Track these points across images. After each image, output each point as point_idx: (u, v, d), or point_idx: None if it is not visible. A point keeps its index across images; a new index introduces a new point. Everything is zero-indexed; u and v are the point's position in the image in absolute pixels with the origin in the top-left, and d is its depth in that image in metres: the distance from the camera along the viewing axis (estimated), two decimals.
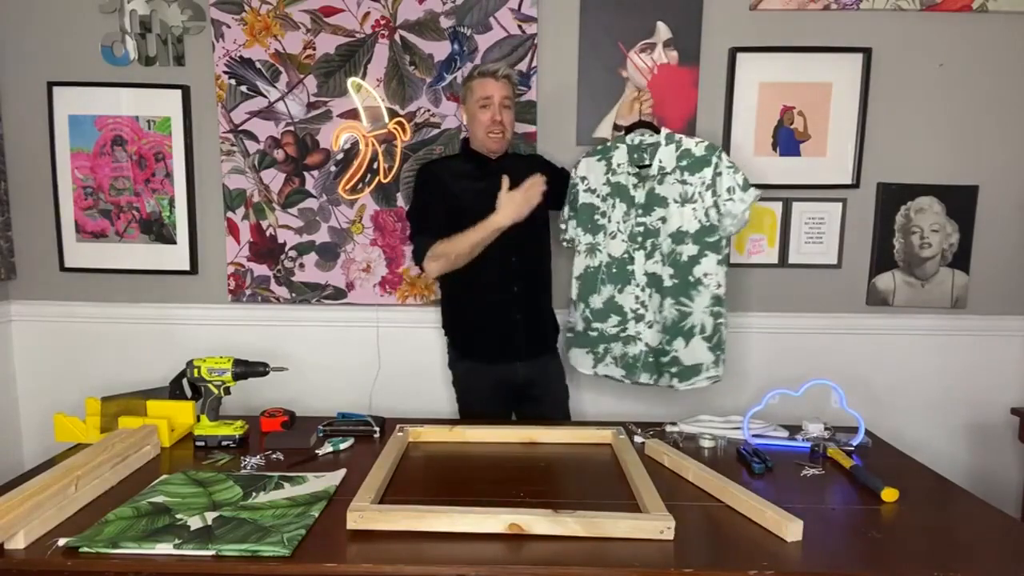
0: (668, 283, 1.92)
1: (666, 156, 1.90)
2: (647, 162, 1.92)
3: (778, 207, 2.15)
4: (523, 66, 2.08)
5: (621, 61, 2.09)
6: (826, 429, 1.61)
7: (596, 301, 1.99)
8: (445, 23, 2.07)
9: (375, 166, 2.14)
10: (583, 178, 2.00)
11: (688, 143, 1.90)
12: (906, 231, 2.16)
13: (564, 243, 2.07)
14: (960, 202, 2.14)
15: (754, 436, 1.58)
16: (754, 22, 2.08)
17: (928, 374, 2.22)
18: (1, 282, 2.21)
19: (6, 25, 2.11)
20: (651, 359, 1.96)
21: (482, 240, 1.74)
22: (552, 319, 2.03)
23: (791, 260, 2.17)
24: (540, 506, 1.16)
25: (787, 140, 2.11)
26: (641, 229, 1.93)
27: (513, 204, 1.71)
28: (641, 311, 1.96)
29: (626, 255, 1.96)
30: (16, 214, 2.20)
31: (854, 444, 1.55)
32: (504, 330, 1.90)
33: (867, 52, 2.06)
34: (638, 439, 1.56)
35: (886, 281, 2.18)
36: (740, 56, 2.07)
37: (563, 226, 2.04)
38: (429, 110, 2.11)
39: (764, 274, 2.19)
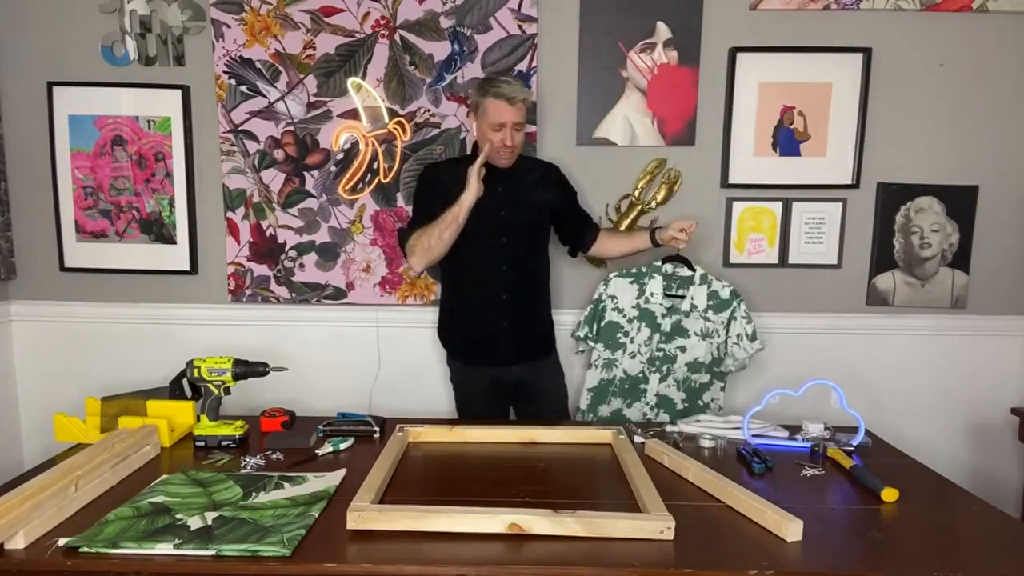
0: (680, 406, 2.04)
1: (699, 296, 2.00)
2: (678, 292, 2.00)
3: (778, 207, 2.15)
4: (523, 66, 2.08)
5: (621, 61, 2.09)
6: (826, 429, 1.61)
7: (604, 410, 2.07)
8: (445, 23, 2.07)
9: (375, 166, 2.14)
10: (612, 297, 2.03)
11: (717, 285, 2.01)
12: (906, 231, 2.16)
13: (576, 349, 2.11)
14: (960, 202, 2.14)
15: (754, 436, 1.58)
16: (754, 22, 2.07)
17: (928, 374, 2.22)
18: (1, 282, 2.21)
19: (6, 25, 2.11)
20: None
21: (450, 223, 1.74)
22: (547, 324, 2.01)
23: (791, 260, 2.17)
24: (540, 506, 1.15)
25: (787, 140, 2.11)
26: (660, 354, 2.03)
27: (477, 180, 1.73)
28: None
29: (641, 375, 2.03)
30: (16, 214, 2.20)
31: (854, 444, 1.55)
32: (491, 337, 1.90)
33: (867, 52, 2.06)
34: (638, 439, 1.56)
35: (886, 281, 2.18)
36: (740, 56, 2.07)
37: (580, 333, 2.05)
38: (429, 110, 2.11)
39: (764, 274, 2.19)
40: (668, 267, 2.01)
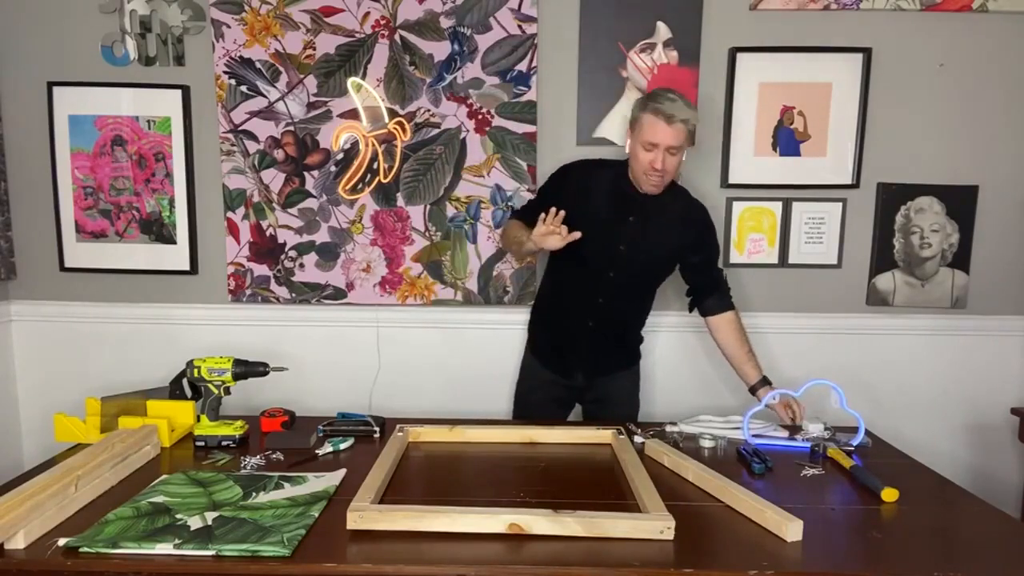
0: None
1: None
2: None
3: (778, 207, 2.15)
4: (523, 66, 2.08)
5: (621, 61, 2.09)
6: (826, 429, 1.61)
7: None
8: (445, 23, 2.07)
9: (375, 166, 2.14)
10: None
11: None
12: (906, 231, 2.16)
13: None
14: (960, 202, 2.14)
15: (754, 436, 1.58)
16: (754, 22, 2.07)
17: (928, 374, 2.22)
18: (1, 282, 2.20)
19: (6, 25, 2.11)
20: None
21: (516, 246, 1.69)
22: (632, 348, 1.95)
23: (791, 260, 2.17)
24: (540, 506, 1.15)
25: (787, 140, 2.11)
26: None
27: (542, 236, 1.56)
28: None
29: None
30: (16, 214, 2.20)
31: (854, 444, 1.55)
32: (567, 353, 1.88)
33: (867, 52, 2.06)
34: (638, 439, 1.56)
35: (886, 281, 2.18)
36: (740, 56, 2.07)
37: None
38: (429, 110, 2.11)
39: (764, 274, 2.19)
40: None
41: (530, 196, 2.06)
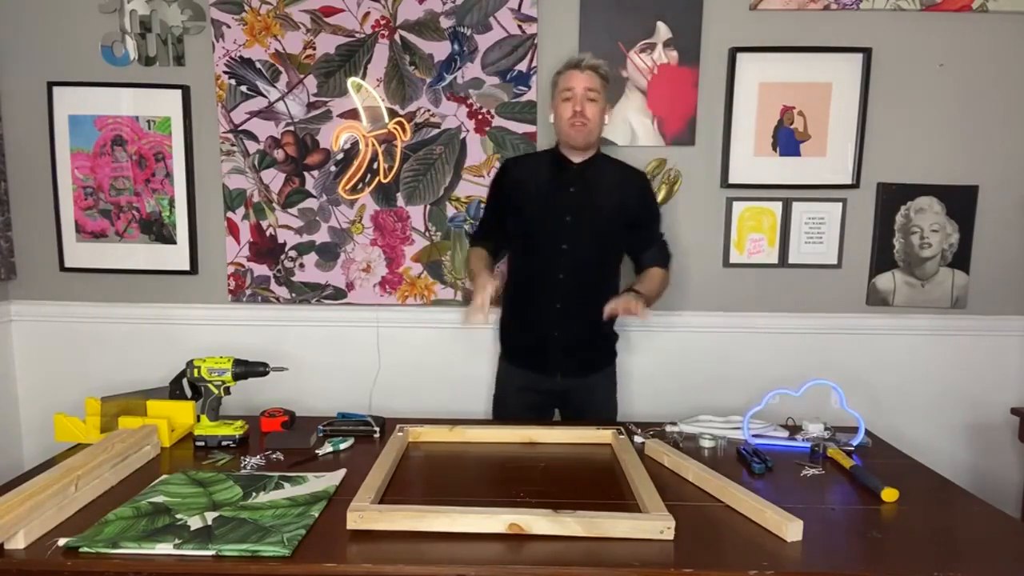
0: None
1: None
2: None
3: (778, 207, 2.15)
4: (523, 66, 2.08)
5: (621, 61, 2.09)
6: (826, 429, 1.61)
7: None
8: (445, 23, 2.07)
9: (375, 166, 2.14)
10: None
11: None
12: (906, 231, 2.16)
13: None
14: (960, 202, 2.14)
15: (754, 436, 1.58)
16: (754, 22, 2.07)
17: (928, 374, 2.22)
18: (1, 282, 2.21)
19: (6, 25, 2.11)
20: None
21: (470, 278, 1.77)
22: (607, 340, 1.90)
23: (791, 260, 2.17)
24: (540, 506, 1.15)
25: (787, 140, 2.11)
26: None
27: (470, 310, 1.63)
28: None
29: None
30: (16, 214, 2.20)
31: (854, 444, 1.55)
32: (538, 346, 1.83)
33: (867, 52, 2.06)
34: (638, 439, 1.56)
35: (886, 281, 2.18)
36: (740, 56, 2.07)
37: None
38: (429, 110, 2.11)
39: (764, 274, 2.19)
40: None
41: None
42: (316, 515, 1.16)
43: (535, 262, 1.76)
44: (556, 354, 1.82)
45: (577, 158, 1.77)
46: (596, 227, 1.78)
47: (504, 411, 1.93)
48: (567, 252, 1.75)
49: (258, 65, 2.10)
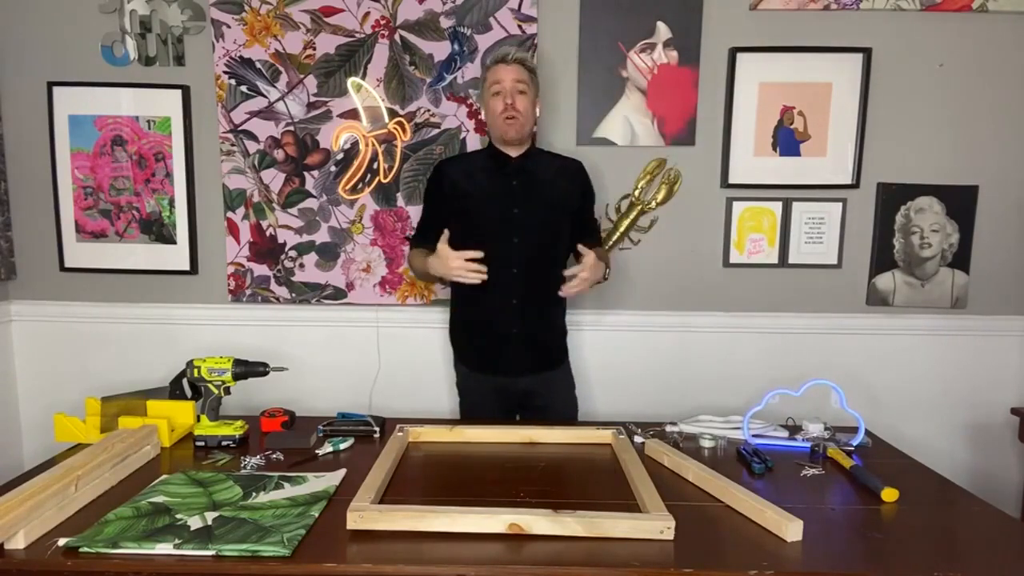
0: None
1: None
2: None
3: (778, 207, 2.15)
4: None
5: (621, 61, 2.09)
6: (826, 429, 1.61)
7: None
8: (445, 23, 2.07)
9: (375, 166, 2.14)
10: None
11: None
12: (906, 231, 2.16)
13: None
14: (960, 202, 2.14)
15: (754, 436, 1.58)
16: (754, 22, 2.08)
17: (928, 374, 2.22)
18: (1, 282, 2.21)
19: (6, 25, 2.11)
20: None
21: (424, 275, 1.74)
22: (561, 334, 1.90)
23: (791, 260, 2.17)
24: (540, 506, 1.15)
25: (787, 140, 2.11)
26: None
27: (443, 266, 1.64)
28: None
29: None
30: (16, 214, 2.20)
31: (854, 444, 1.55)
32: (500, 345, 1.80)
33: (867, 52, 2.06)
34: (638, 439, 1.56)
35: (886, 281, 2.18)
36: (740, 56, 2.07)
37: None
38: (429, 110, 2.11)
39: (764, 274, 2.19)
40: None
41: None
42: (316, 515, 1.16)
43: (486, 260, 1.69)
44: (519, 352, 1.81)
45: (514, 152, 1.79)
46: (544, 217, 1.79)
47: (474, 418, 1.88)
48: (518, 245, 1.75)
49: (258, 65, 2.10)
